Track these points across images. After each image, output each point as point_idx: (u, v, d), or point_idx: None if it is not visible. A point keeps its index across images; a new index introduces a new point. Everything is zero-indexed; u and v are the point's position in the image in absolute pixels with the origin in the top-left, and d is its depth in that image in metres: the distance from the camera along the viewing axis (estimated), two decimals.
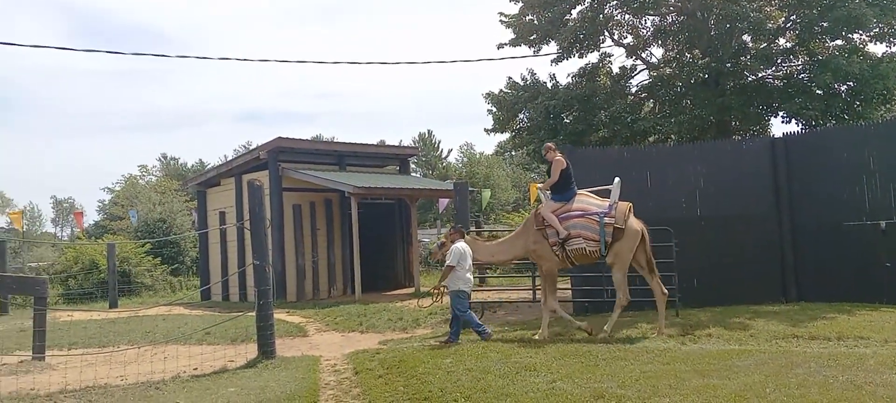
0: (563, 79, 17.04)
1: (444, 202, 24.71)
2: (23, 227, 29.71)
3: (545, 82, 16.95)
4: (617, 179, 9.84)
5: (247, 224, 10.02)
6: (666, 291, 9.64)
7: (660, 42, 17.42)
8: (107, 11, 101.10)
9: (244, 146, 60.96)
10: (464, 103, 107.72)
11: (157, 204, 30.67)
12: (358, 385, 7.33)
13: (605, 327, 9.47)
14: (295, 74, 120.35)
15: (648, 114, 16.66)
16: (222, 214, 19.55)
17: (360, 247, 17.05)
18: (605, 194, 9.84)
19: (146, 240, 24.29)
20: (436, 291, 10.17)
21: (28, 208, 65.55)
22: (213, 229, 19.63)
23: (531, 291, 12.28)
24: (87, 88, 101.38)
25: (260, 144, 18.93)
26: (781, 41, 15.90)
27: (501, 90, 17.19)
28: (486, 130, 17.77)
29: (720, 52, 15.29)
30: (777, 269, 12.02)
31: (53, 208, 79.59)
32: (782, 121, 15.82)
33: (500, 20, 16.81)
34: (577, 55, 16.53)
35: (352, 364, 8.38)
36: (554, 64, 16.43)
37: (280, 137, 18.34)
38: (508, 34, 16.70)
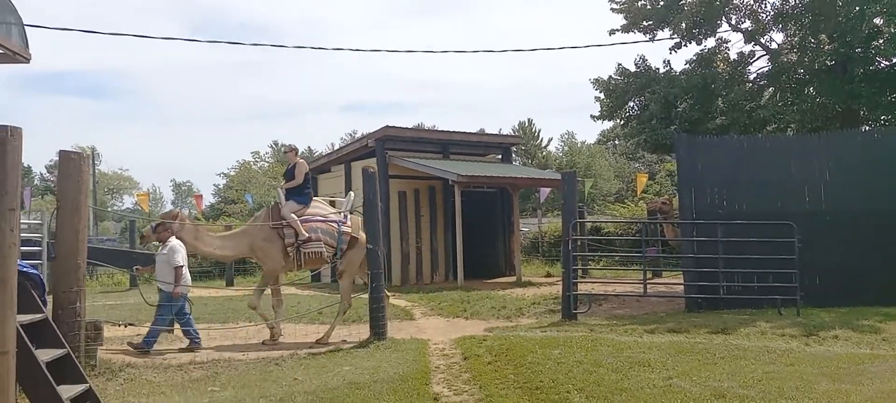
0: (678, 66, 16.44)
1: (545, 191, 24.45)
2: (148, 208, 31.76)
3: (657, 69, 16.43)
4: (351, 193, 10.81)
5: (359, 209, 10.29)
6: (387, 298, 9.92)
7: (781, 26, 16.50)
8: (222, 10, 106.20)
9: (350, 134, 62.69)
10: (565, 92, 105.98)
11: (272, 189, 32.02)
12: (467, 370, 7.38)
13: (323, 337, 9.48)
14: (397, 65, 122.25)
15: (768, 102, 15.86)
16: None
17: (462, 235, 17.17)
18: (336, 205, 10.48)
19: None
20: (176, 294, 9.07)
21: (151, 190, 70.03)
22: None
23: (642, 285, 11.96)
24: (206, 80, 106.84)
25: (368, 133, 19.37)
26: None
27: (611, 77, 16.80)
28: (592, 117, 17.46)
29: (849, 37, 14.29)
30: None
31: (173, 191, 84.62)
32: None
33: (611, 7, 16.42)
34: (694, 41, 15.92)
35: (460, 350, 8.45)
36: (672, 51, 15.90)
37: (387, 126, 18.70)
38: (619, 20, 16.30)
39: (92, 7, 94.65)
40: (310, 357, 8.34)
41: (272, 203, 10.39)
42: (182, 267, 9.05)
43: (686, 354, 7.52)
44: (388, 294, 10.29)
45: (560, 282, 12.15)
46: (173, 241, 9.19)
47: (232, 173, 53.44)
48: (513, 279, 18.26)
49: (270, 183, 34.21)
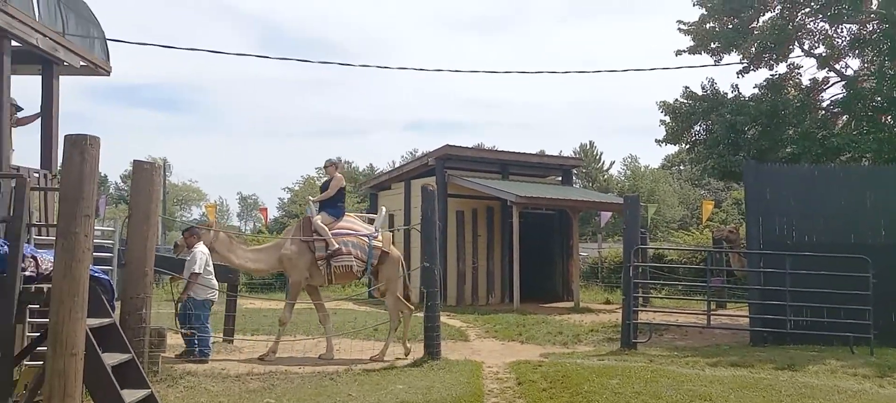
0: (747, 90, 16.07)
1: (605, 216, 24.08)
2: (215, 219, 32.67)
3: (725, 93, 16.04)
4: (383, 209, 10.95)
5: (416, 226, 10.34)
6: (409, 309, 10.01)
7: (857, 52, 15.88)
8: (291, 26, 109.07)
9: (411, 152, 63.28)
10: (628, 114, 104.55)
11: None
12: (521, 395, 7.29)
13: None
14: (459, 85, 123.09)
15: (842, 131, 15.25)
16: (391, 217, 20.33)
17: (519, 257, 17.04)
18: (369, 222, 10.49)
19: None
20: (180, 299, 9.14)
21: (219, 202, 72.04)
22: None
23: (706, 316, 11.60)
24: (274, 96, 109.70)
25: (428, 151, 19.49)
26: None
27: (677, 99, 16.47)
28: (657, 141, 17.10)
29: None
30: None
31: (239, 204, 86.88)
32: None
33: (678, 28, 16.13)
34: (764, 66, 15.50)
35: (514, 374, 8.36)
36: (740, 75, 15.52)
37: (448, 145, 18.79)
38: (686, 41, 16.01)
39: (170, 22, 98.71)
40: (364, 373, 8.38)
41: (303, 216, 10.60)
42: (198, 274, 9.04)
43: (750, 390, 7.23)
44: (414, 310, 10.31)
45: (619, 310, 11.92)
46: (196, 248, 9.21)
47: (296, 188, 54.56)
48: (570, 304, 17.99)
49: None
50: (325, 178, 10.61)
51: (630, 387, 7.27)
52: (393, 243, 10.21)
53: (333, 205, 10.18)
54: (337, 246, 9.70)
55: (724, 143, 15.19)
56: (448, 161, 18.62)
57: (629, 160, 63.25)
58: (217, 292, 9.54)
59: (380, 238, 10.03)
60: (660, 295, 17.76)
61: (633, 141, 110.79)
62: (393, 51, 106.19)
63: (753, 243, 11.33)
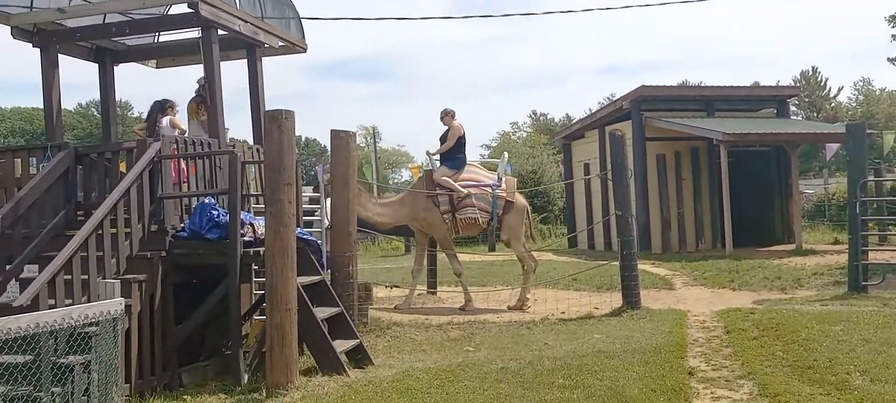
0: None
1: (832, 148, 21.59)
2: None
3: None
4: (505, 154, 10.78)
5: (609, 174, 10.04)
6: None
7: None
8: None
9: (607, 98, 61.35)
10: (857, 33, 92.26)
11: (530, 158, 32.57)
12: (729, 344, 6.85)
13: (526, 298, 9.69)
14: (657, 22, 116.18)
15: None
16: (586, 165, 19.96)
17: (731, 199, 15.87)
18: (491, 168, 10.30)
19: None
20: None
21: (423, 164, 75.33)
22: (577, 180, 20.18)
23: None
24: (466, 57, 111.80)
25: (623, 94, 18.74)
26: None
27: None
28: (889, 60, 14.98)
29: None
30: None
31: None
32: None
33: None
34: None
35: (722, 323, 7.88)
36: None
37: (643, 85, 17.93)
38: None
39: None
40: (560, 322, 8.39)
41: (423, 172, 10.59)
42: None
43: None
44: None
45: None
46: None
47: (493, 144, 55.52)
48: (791, 247, 16.48)
49: (528, 152, 34.86)
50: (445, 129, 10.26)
51: (856, 335, 6.51)
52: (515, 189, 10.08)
53: (453, 157, 10.04)
54: (466, 192, 9.64)
55: None
56: (644, 102, 17.76)
57: (861, 84, 56.09)
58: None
59: (504, 187, 9.85)
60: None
61: (867, 62, 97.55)
62: None
63: None
